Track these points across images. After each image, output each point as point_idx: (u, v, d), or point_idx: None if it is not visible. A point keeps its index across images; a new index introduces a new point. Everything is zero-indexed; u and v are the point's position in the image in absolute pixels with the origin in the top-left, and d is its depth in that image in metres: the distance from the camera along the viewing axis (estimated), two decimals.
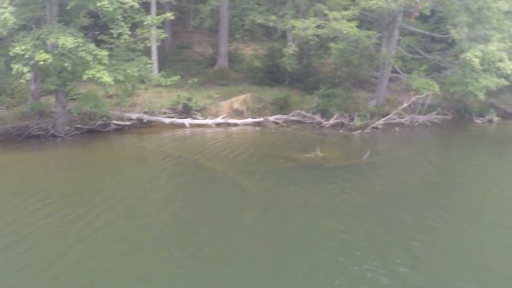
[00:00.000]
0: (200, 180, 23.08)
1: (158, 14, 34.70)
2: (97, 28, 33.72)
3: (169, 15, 32.42)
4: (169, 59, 44.47)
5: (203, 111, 35.38)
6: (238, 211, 18.79)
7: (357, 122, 35.25)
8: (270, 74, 41.39)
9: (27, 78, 27.35)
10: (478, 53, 32.56)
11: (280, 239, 16.05)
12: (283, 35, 41.53)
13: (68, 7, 28.07)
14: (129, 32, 29.24)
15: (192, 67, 44.05)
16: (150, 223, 17.51)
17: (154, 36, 33.28)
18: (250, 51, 47.82)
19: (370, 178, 24.06)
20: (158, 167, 25.69)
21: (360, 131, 34.08)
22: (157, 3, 38.73)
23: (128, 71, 29.21)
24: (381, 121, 35.57)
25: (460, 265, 14.55)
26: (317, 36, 35.09)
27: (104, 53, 27.69)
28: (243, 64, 45.02)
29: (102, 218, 17.48)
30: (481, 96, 34.24)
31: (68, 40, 26.12)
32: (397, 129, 35.30)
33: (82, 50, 26.97)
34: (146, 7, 37.35)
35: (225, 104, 36.43)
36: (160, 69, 38.61)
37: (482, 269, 14.28)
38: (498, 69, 33.89)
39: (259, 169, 24.56)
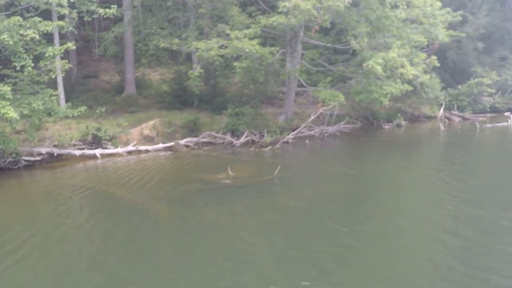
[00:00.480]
0: (108, 210, 22.60)
1: (61, 44, 34.26)
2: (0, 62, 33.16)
3: (70, 45, 31.94)
4: (77, 89, 43.95)
5: (113, 140, 34.95)
6: (144, 239, 18.58)
7: (267, 138, 35.50)
8: (178, 98, 41.40)
9: None
10: (380, 61, 33.28)
11: (184, 265, 15.93)
12: (189, 57, 41.65)
13: None
14: (32, 64, 28.76)
15: (100, 96, 43.63)
16: (55, 259, 17.13)
17: (59, 67, 32.85)
18: (157, 76, 47.73)
19: (281, 193, 24.18)
20: (67, 200, 25.15)
21: (270, 147, 34.30)
22: (60, 33, 38.24)
23: (33, 104, 28.58)
24: (291, 135, 35.98)
25: (368, 274, 14.75)
26: (222, 56, 35.19)
27: (7, 88, 27.03)
28: (151, 89, 44.90)
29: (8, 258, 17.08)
30: (386, 102, 35.11)
31: None
32: (307, 141, 35.71)
33: None
34: (49, 38, 36.94)
35: (135, 131, 36.15)
36: (67, 100, 38.05)
37: (392, 278, 14.53)
38: (401, 74, 34.72)
39: (168, 194, 24.35)
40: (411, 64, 35.86)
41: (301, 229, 18.64)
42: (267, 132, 36.22)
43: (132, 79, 44.58)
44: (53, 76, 32.36)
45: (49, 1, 30.69)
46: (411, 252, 16.31)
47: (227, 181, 25.90)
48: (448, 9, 40.20)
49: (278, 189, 25.05)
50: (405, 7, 36.05)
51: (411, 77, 34.73)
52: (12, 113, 26.56)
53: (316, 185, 25.38)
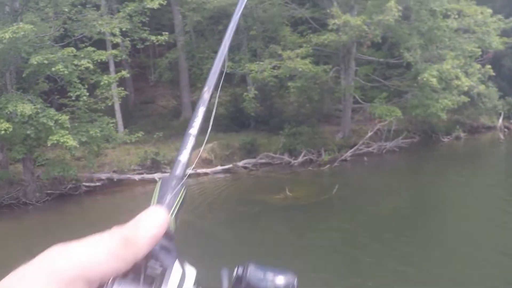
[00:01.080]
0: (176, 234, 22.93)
1: (117, 72, 34.82)
2: (57, 92, 33.83)
3: (125, 73, 32.43)
4: (134, 115, 44.57)
5: (171, 164, 35.10)
6: (207, 263, 18.65)
7: (325, 157, 35.23)
8: (235, 120, 41.51)
9: None
10: (435, 73, 32.86)
11: None
12: (243, 79, 41.84)
13: (24, 75, 28.16)
14: (87, 94, 29.30)
15: (157, 121, 44.13)
16: None
17: (116, 95, 33.38)
18: (213, 99, 47.91)
19: (340, 212, 24.13)
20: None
21: (328, 165, 34.10)
22: (115, 61, 38.84)
23: (91, 132, 29.12)
24: (349, 153, 35.65)
25: None
26: (275, 77, 35.25)
27: (65, 117, 27.59)
28: (208, 112, 45.07)
29: None
30: (443, 116, 34.52)
31: (26, 108, 26.02)
32: (365, 158, 35.36)
33: (43, 116, 26.93)
34: (105, 66, 37.61)
35: (192, 154, 36.28)
36: (125, 126, 38.64)
37: None
38: (457, 86, 34.25)
39: (228, 216, 24.54)
40: (466, 74, 35.32)
41: (362, 250, 18.50)
42: (325, 151, 36.01)
43: (189, 103, 44.93)
44: (109, 104, 32.90)
45: (102, 31, 31.15)
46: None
47: (286, 201, 25.87)
48: (499, 16, 39.46)
49: (338, 208, 24.98)
50: (456, 16, 35.57)
51: (466, 88, 34.19)
52: (72, 142, 27.03)
53: (375, 203, 25.10)
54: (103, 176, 33.37)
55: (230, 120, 41.83)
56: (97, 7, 34.37)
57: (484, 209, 23.29)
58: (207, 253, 19.54)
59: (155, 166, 34.95)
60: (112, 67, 38.82)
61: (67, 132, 27.43)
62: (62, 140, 27.00)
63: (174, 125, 43.11)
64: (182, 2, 40.39)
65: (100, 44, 34.62)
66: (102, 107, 31.96)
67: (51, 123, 26.98)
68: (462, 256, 17.49)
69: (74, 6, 31.22)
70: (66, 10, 30.12)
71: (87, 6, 32.34)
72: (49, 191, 31.52)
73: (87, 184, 32.63)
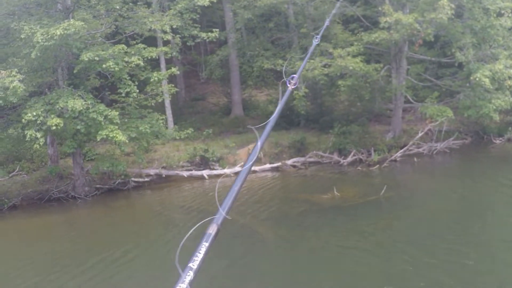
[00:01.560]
0: (219, 233, 22.93)
1: (168, 69, 35.00)
2: (108, 88, 34.18)
3: (174, 70, 32.48)
4: (185, 112, 44.81)
5: (221, 161, 35.33)
6: (251, 262, 18.66)
7: (375, 157, 34.78)
8: (285, 118, 41.25)
9: (41, 143, 27.31)
10: (487, 73, 32.26)
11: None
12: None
13: (75, 71, 28.53)
14: (137, 90, 29.56)
15: (207, 118, 44.27)
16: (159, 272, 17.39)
17: (166, 91, 33.57)
18: (264, 96, 47.90)
19: (387, 214, 23.85)
20: (172, 220, 25.81)
21: (378, 165, 33.69)
22: (166, 58, 39.03)
23: (141, 128, 29.35)
24: (399, 153, 35.17)
25: None
26: (326, 75, 35.00)
27: (115, 113, 27.88)
28: (258, 110, 45.10)
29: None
30: (496, 117, 33.77)
31: (77, 103, 26.36)
32: (415, 159, 34.80)
33: (93, 112, 27.23)
34: (156, 63, 37.91)
35: (242, 152, 36.34)
36: (175, 123, 38.93)
37: None
38: (509, 86, 33.59)
39: (274, 215, 24.50)
40: None
41: (410, 251, 18.23)
42: (375, 150, 35.62)
43: (239, 101, 45.00)
44: (159, 100, 33.06)
45: (152, 28, 31.35)
46: None
47: (333, 201, 25.67)
48: None
49: (385, 209, 24.70)
50: (510, 14, 34.85)
51: None
52: (121, 137, 27.26)
53: (424, 205, 24.82)
54: (152, 171, 33.61)
55: (280, 118, 40.81)
56: (148, 4, 34.72)
57: None
58: (246, 252, 19.60)
59: (204, 163, 35.08)
60: (163, 64, 39.08)
61: (116, 127, 27.70)
62: (111, 135, 27.30)
63: (224, 122, 43.24)
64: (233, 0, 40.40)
65: (151, 41, 34.93)
66: (152, 104, 32.22)
67: (101, 118, 27.27)
68: (502, 266, 17.06)
69: (126, 4, 31.49)
70: (117, 7, 30.38)
71: (138, 3, 32.63)
72: (98, 186, 32.01)
73: (135, 179, 32.98)
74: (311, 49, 5.07)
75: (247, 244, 21.14)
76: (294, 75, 5.25)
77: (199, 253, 3.34)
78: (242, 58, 43.45)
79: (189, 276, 3.18)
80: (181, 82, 46.45)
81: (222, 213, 3.72)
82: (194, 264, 3.26)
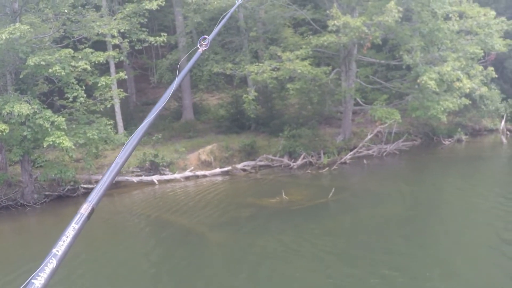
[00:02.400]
0: (162, 237, 22.88)
1: (118, 73, 34.69)
2: (56, 93, 33.71)
3: (122, 75, 32.10)
4: (135, 116, 44.38)
5: (171, 166, 35.05)
6: (195, 266, 18.44)
7: (324, 159, 34.88)
8: (236, 122, 41.30)
9: None
10: (434, 76, 32.53)
11: None
12: (245, 81, 41.63)
13: (21, 76, 28.05)
14: (84, 95, 29.14)
15: (158, 122, 43.81)
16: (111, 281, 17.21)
17: (116, 96, 33.21)
18: (215, 100, 47.82)
19: (334, 217, 23.81)
20: (123, 227, 25.48)
21: (327, 168, 33.71)
22: (116, 63, 38.68)
23: (88, 134, 28.96)
24: (348, 155, 35.31)
25: None
26: (275, 78, 34.95)
27: (61, 119, 27.38)
28: (209, 114, 45.00)
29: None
30: (443, 118, 34.09)
31: (23, 107, 25.90)
32: (365, 161, 34.99)
33: (40, 118, 26.79)
34: (106, 67, 37.53)
35: (192, 156, 36.16)
36: (126, 128, 38.52)
37: None
38: (458, 88, 33.91)
39: (221, 219, 24.25)
40: (468, 77, 35.00)
41: (354, 255, 18.20)
42: (325, 153, 35.66)
43: (190, 105, 44.77)
44: (108, 106, 32.68)
45: (100, 32, 31.03)
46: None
47: (281, 205, 25.58)
48: (503, 18, 38.87)
49: (332, 212, 24.67)
50: (458, 18, 35.24)
51: (467, 90, 33.83)
52: (67, 143, 26.83)
53: (371, 207, 24.79)
54: (101, 177, 33.11)
55: (230, 122, 41.65)
56: (98, 8, 34.36)
57: (483, 216, 22.67)
58: (188, 255, 19.48)
59: (154, 168, 34.74)
60: (112, 69, 38.66)
61: (63, 133, 27.26)
62: (58, 142, 26.83)
63: (175, 126, 42.99)
64: (183, 3, 40.15)
65: (101, 45, 34.54)
66: (101, 109, 31.81)
67: (48, 125, 26.79)
68: (453, 266, 17.12)
69: (74, 7, 31.10)
70: (66, 11, 29.96)
71: (87, 7, 32.26)
72: (47, 193, 31.42)
73: (85, 185, 32.46)
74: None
75: (190, 248, 20.97)
76: (205, 36, 4.83)
77: (66, 237, 2.97)
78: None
79: (51, 263, 2.82)
80: (132, 86, 46.12)
81: (98, 192, 3.36)
82: (59, 249, 2.90)
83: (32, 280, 2.76)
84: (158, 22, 50.40)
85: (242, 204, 26.74)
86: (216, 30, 5.38)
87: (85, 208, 3.17)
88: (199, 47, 4.78)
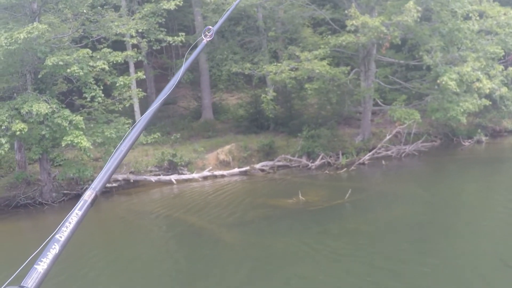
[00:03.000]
0: (178, 237, 23.03)
1: (137, 73, 34.81)
2: (75, 93, 33.87)
3: (140, 75, 32.20)
4: (155, 116, 44.30)
5: (189, 166, 35.09)
6: (209, 266, 18.44)
7: (343, 160, 34.71)
8: (255, 122, 41.24)
9: (6, 149, 26.91)
10: (454, 76, 32.27)
11: None
12: (264, 81, 41.58)
13: (40, 76, 28.23)
14: (102, 95, 29.25)
15: (177, 122, 44.03)
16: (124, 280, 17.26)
17: (135, 96, 33.31)
18: (235, 100, 47.79)
19: (350, 218, 23.57)
20: (140, 226, 25.54)
21: (345, 169, 33.54)
22: (137, 63, 38.80)
23: (106, 133, 29.10)
24: (367, 156, 35.09)
25: None
26: (294, 78, 34.85)
27: (79, 118, 27.54)
28: (228, 114, 45.01)
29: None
30: (463, 120, 33.77)
31: (42, 107, 26.08)
32: (383, 162, 34.77)
33: (58, 117, 26.95)
34: (126, 67, 37.69)
35: (211, 156, 36.18)
36: (145, 128, 38.57)
37: None
38: (478, 89, 33.60)
39: (238, 220, 24.16)
40: (488, 77, 34.65)
41: (369, 258, 18.05)
42: (343, 154, 35.49)
43: (209, 105, 44.82)
44: (127, 105, 32.78)
45: (118, 32, 31.12)
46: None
47: (297, 206, 25.49)
48: None
49: (348, 214, 24.49)
50: (478, 17, 34.90)
51: (487, 91, 33.49)
52: (85, 142, 26.99)
53: (388, 209, 24.52)
54: (120, 177, 33.27)
55: (249, 121, 41.60)
56: (117, 8, 34.50)
57: (503, 219, 22.23)
58: (203, 254, 19.49)
59: (172, 167, 34.82)
60: (132, 68, 38.83)
61: (81, 132, 27.39)
62: (76, 141, 26.99)
63: (194, 126, 43.04)
64: (202, 3, 40.13)
65: (120, 45, 34.70)
66: (120, 108, 31.91)
67: (66, 124, 26.95)
68: (467, 271, 16.84)
69: (93, 8, 31.24)
70: (85, 11, 30.09)
71: (105, 7, 32.38)
72: (65, 191, 31.57)
73: None
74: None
75: (205, 248, 20.95)
76: (210, 27, 4.84)
77: (69, 223, 3.01)
78: (211, 61, 43.25)
79: (54, 249, 2.86)
80: (152, 86, 46.18)
81: (102, 179, 3.37)
82: (62, 235, 2.93)
83: (35, 266, 2.80)
84: (178, 22, 50.46)
85: (258, 205, 26.68)
86: (220, 21, 5.47)
87: (88, 195, 3.19)
88: (203, 37, 4.81)
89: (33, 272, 2.78)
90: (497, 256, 17.62)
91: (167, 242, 22.66)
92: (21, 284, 2.74)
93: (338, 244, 19.70)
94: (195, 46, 4.91)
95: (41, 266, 2.78)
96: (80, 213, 3.06)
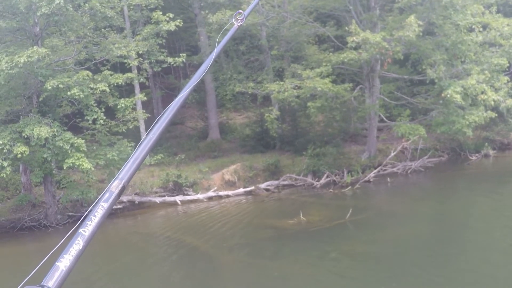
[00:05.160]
0: (178, 260, 22.87)
1: (145, 94, 34.88)
2: (79, 115, 33.93)
3: (141, 96, 32.47)
4: (162, 136, 44.04)
5: (194, 186, 34.91)
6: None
7: (347, 178, 34.18)
8: (261, 141, 40.89)
9: (7, 172, 26.89)
10: (459, 89, 31.84)
11: None
12: (269, 99, 41.45)
13: (40, 99, 28.34)
14: (104, 117, 29.28)
15: (184, 142, 43.94)
16: None
17: (141, 116, 33.35)
18: (242, 119, 47.63)
19: (351, 239, 23.27)
20: (142, 249, 25.61)
21: (350, 187, 33.10)
22: (144, 84, 38.81)
23: (108, 155, 29.12)
24: (372, 174, 34.59)
25: None
26: (298, 97, 34.64)
27: (81, 141, 27.57)
28: (235, 133, 44.83)
29: None
30: (469, 133, 33.20)
31: (42, 130, 26.11)
32: (388, 179, 34.31)
33: (60, 140, 26.98)
34: (131, 88, 37.74)
35: (216, 176, 35.97)
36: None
37: None
38: (483, 101, 33.13)
39: (238, 242, 24.21)
40: (493, 89, 34.16)
41: (368, 280, 17.76)
42: (349, 171, 35.00)
43: (216, 124, 44.70)
44: (130, 127, 32.76)
45: (119, 54, 31.15)
46: None
47: (298, 227, 25.20)
48: None
49: (349, 234, 24.14)
50: (481, 29, 34.49)
51: (492, 103, 32.96)
52: (87, 164, 27.08)
53: (390, 229, 24.14)
54: (125, 198, 33.16)
55: (256, 141, 41.32)
56: (121, 30, 34.65)
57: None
58: (203, 277, 19.33)
59: (177, 188, 34.65)
60: (137, 90, 38.78)
61: (83, 155, 27.40)
62: (77, 163, 27.08)
63: (200, 146, 42.88)
64: (205, 23, 40.14)
65: (125, 67, 34.84)
66: (124, 130, 31.92)
67: (67, 147, 27.01)
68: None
69: (97, 30, 31.37)
70: (89, 34, 30.25)
71: (107, 29, 32.49)
72: (70, 214, 31.54)
73: None
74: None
75: (204, 270, 20.84)
76: (241, 11, 4.60)
77: (94, 216, 2.75)
78: (216, 81, 43.22)
79: (77, 245, 2.62)
80: (159, 106, 46.20)
81: (130, 168, 3.16)
82: (87, 230, 2.68)
83: (57, 263, 2.60)
84: (185, 43, 50.58)
85: (260, 226, 26.57)
86: (251, 7, 5.36)
87: (115, 186, 2.98)
88: (234, 22, 4.57)
89: (55, 270, 2.58)
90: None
91: (166, 266, 22.48)
92: (41, 283, 2.54)
93: (336, 266, 19.47)
94: (226, 31, 4.64)
95: (63, 264, 2.58)
96: (105, 205, 2.83)
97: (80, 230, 2.66)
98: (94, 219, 2.72)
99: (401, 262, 19.36)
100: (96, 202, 2.84)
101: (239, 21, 4.55)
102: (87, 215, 2.75)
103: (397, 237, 22.84)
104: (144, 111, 34.27)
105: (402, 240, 22.34)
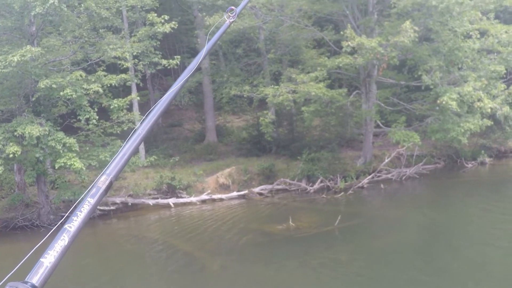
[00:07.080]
0: (170, 265, 22.54)
1: (143, 96, 34.84)
2: (74, 115, 33.91)
3: (134, 96, 32.41)
4: (158, 138, 44.37)
5: (188, 189, 34.79)
6: None
7: (341, 184, 33.92)
8: (257, 144, 40.72)
9: (0, 172, 26.84)
10: (455, 96, 31.55)
11: None
12: (265, 103, 41.36)
13: (33, 98, 28.28)
14: (96, 117, 29.14)
15: (180, 144, 43.89)
16: None
17: (137, 118, 33.30)
18: (240, 122, 47.53)
19: (338, 246, 23.10)
20: (131, 251, 25.52)
21: (343, 193, 32.88)
22: (141, 85, 38.75)
23: (101, 156, 29.02)
24: (366, 180, 34.36)
25: None
26: (293, 101, 34.50)
27: (73, 140, 27.43)
28: (232, 136, 44.72)
29: None
30: (464, 140, 32.92)
31: (34, 129, 26.00)
32: (382, 186, 34.08)
33: (52, 139, 26.90)
34: (129, 89, 37.66)
35: (211, 179, 35.83)
36: (148, 150, 38.55)
37: None
38: (479, 108, 32.86)
39: (226, 247, 24.04)
40: (490, 96, 33.87)
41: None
42: (344, 177, 34.72)
43: (213, 127, 44.62)
44: (125, 128, 32.65)
45: (113, 56, 31.07)
46: None
47: (286, 232, 25.04)
48: None
49: (337, 241, 23.93)
50: (479, 36, 34.22)
51: (489, 110, 32.64)
52: (78, 164, 26.97)
53: (378, 236, 23.94)
54: (118, 200, 33.13)
55: (252, 144, 41.17)
56: (119, 31, 34.61)
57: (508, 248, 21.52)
58: (187, 281, 19.24)
59: (171, 190, 34.55)
60: (134, 91, 38.65)
61: (74, 155, 27.32)
62: (69, 163, 26.99)
63: (197, 149, 42.79)
64: (203, 25, 40.07)
65: (121, 68, 34.81)
66: (118, 132, 31.85)
67: (59, 146, 26.92)
68: None
69: (94, 30, 31.34)
70: (85, 34, 30.21)
71: (104, 29, 32.44)
72: (63, 214, 31.22)
73: (101, 207, 32.36)
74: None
75: (188, 274, 20.76)
76: (233, 7, 4.57)
77: (80, 212, 2.72)
78: (213, 84, 43.16)
79: (63, 240, 2.65)
80: None
81: (118, 164, 3.08)
82: (72, 225, 2.68)
83: (41, 259, 2.58)
84: (185, 45, 50.57)
85: (249, 231, 26.38)
86: (242, 4, 5.21)
87: (102, 181, 2.95)
88: (226, 18, 4.61)
89: (39, 266, 2.57)
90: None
91: (155, 270, 22.41)
92: (25, 279, 2.53)
93: (319, 274, 19.31)
94: (217, 27, 4.70)
95: (48, 260, 2.57)
96: (92, 201, 2.80)
97: (66, 226, 2.66)
98: (80, 214, 2.71)
99: (383, 271, 19.16)
100: (83, 198, 2.80)
101: (231, 17, 4.57)
102: (72, 210, 2.74)
103: (385, 245, 22.62)
104: (140, 112, 34.14)
105: (389, 249, 22.10)
